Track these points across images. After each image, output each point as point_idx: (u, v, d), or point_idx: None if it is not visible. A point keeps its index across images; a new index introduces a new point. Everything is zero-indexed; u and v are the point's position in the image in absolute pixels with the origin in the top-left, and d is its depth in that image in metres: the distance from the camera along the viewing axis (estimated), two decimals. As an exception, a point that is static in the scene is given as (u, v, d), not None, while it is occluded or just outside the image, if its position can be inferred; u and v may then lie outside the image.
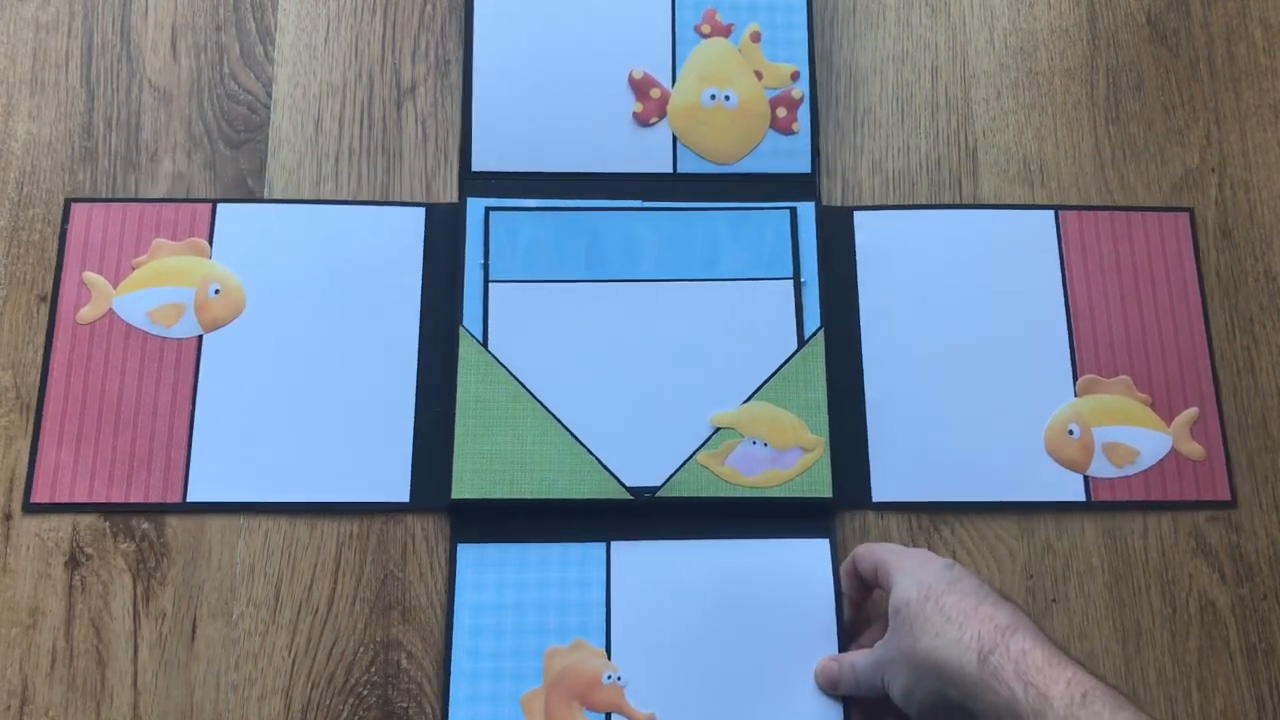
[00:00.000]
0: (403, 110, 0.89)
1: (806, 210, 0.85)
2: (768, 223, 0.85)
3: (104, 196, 0.86)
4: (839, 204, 0.88)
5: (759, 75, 0.88)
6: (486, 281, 0.83)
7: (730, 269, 0.84)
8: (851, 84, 0.92)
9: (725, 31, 0.89)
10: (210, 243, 0.85)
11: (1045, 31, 0.93)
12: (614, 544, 0.79)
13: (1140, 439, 0.83)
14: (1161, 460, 0.83)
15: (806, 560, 0.79)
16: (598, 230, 0.84)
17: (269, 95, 0.89)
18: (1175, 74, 0.92)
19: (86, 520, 0.79)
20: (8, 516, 0.79)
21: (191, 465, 0.80)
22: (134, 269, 0.84)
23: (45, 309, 0.83)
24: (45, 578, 0.77)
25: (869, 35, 0.93)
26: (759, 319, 0.83)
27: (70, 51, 0.89)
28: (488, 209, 0.84)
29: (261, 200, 0.86)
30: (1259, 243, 0.88)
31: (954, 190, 0.89)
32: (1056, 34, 0.93)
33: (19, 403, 0.81)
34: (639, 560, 0.79)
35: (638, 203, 0.85)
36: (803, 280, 0.84)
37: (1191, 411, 0.84)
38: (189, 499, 0.79)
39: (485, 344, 0.82)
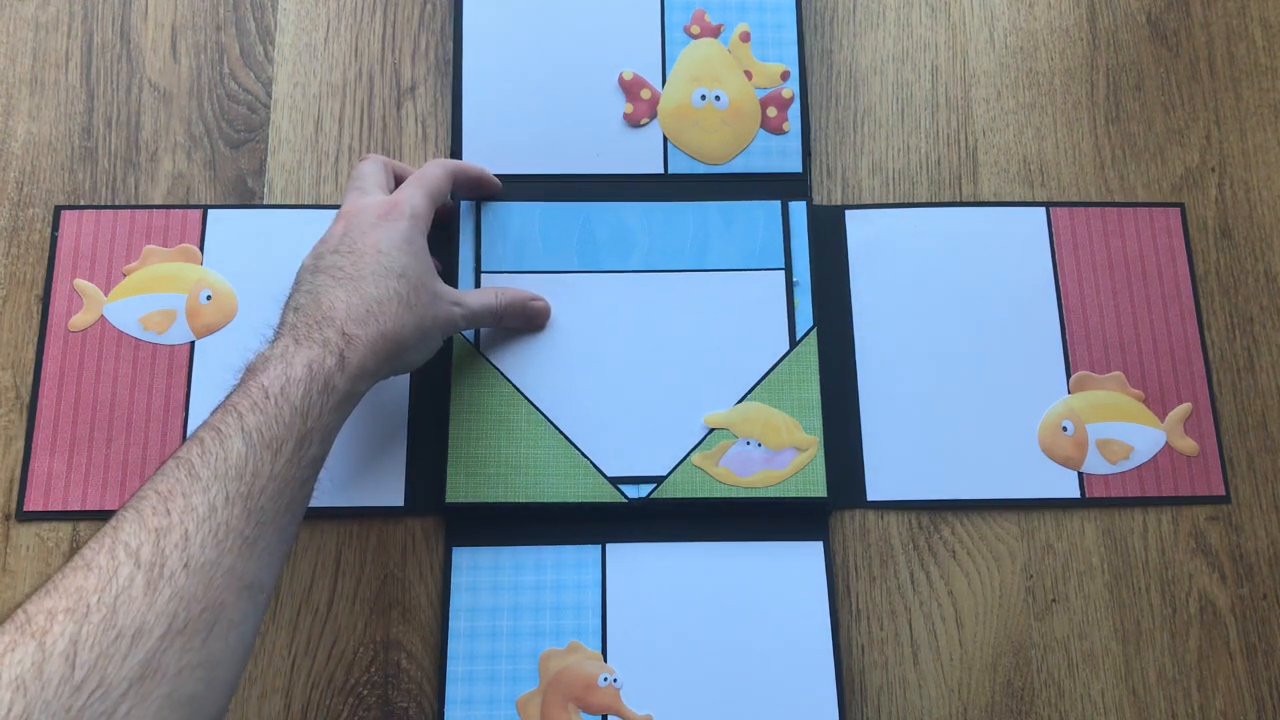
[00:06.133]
0: (403, 110, 0.89)
1: (798, 209, 0.85)
2: (759, 214, 0.85)
3: (104, 199, 0.86)
4: (839, 204, 0.88)
5: (749, 75, 0.88)
6: (478, 277, 0.83)
7: (722, 260, 0.84)
8: (851, 84, 0.92)
9: (715, 32, 0.89)
10: (201, 249, 0.85)
11: (1045, 31, 0.93)
12: (609, 546, 0.79)
13: (1134, 435, 0.83)
14: (1155, 456, 0.83)
15: (800, 563, 0.79)
16: (589, 221, 0.84)
17: (269, 95, 0.89)
18: (1175, 74, 0.92)
19: (85, 521, 0.79)
20: (8, 517, 0.79)
21: (184, 473, 0.80)
22: (125, 276, 0.84)
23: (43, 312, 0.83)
24: (45, 578, 0.77)
25: (869, 35, 0.93)
26: (751, 311, 0.83)
27: (70, 51, 0.89)
28: (480, 198, 0.84)
29: (260, 204, 0.86)
30: (1259, 243, 0.88)
31: (954, 190, 0.89)
32: (1056, 34, 0.93)
33: (18, 403, 0.81)
34: (634, 562, 0.79)
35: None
36: (795, 280, 0.84)
37: (1185, 407, 0.84)
38: (183, 506, 0.79)
39: (476, 338, 0.82)
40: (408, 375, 0.82)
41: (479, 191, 0.83)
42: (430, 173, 0.76)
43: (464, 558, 0.79)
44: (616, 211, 0.85)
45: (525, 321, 0.81)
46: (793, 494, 0.79)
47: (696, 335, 0.83)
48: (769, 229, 0.85)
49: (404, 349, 0.68)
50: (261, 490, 0.56)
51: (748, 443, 0.80)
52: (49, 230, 0.85)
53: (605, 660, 0.77)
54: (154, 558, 0.51)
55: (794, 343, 0.82)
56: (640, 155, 0.86)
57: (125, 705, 0.47)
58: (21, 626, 0.48)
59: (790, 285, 0.84)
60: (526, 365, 0.82)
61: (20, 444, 0.80)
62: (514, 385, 0.81)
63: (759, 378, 0.81)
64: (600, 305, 0.83)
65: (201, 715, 0.51)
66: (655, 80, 0.88)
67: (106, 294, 0.83)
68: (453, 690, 0.76)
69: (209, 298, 0.83)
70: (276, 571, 0.58)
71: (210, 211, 0.86)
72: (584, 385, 0.81)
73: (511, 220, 0.84)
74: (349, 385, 0.63)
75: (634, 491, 0.79)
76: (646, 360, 0.82)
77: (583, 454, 0.80)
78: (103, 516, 0.79)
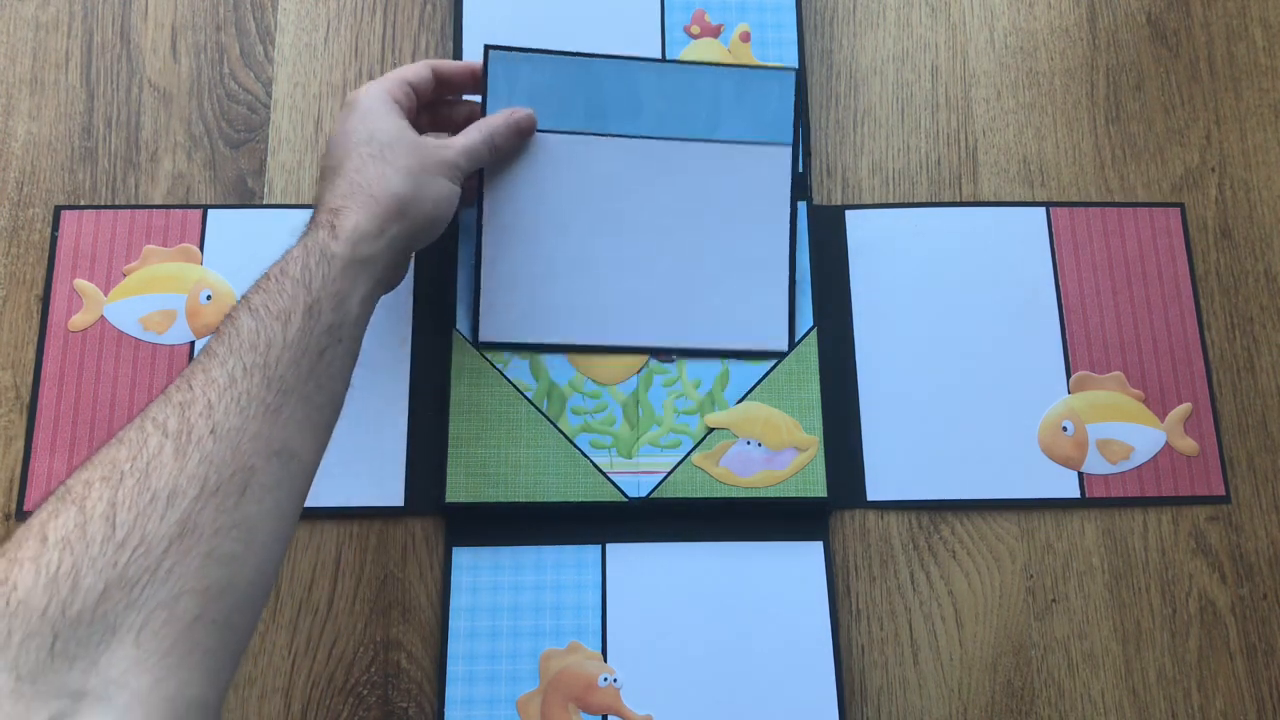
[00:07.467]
0: (402, 110, 0.89)
1: (799, 209, 0.85)
2: (772, 83, 0.84)
3: (104, 199, 0.86)
4: (839, 204, 0.88)
5: (749, 75, 0.88)
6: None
7: (731, 130, 0.83)
8: (851, 84, 0.92)
9: (715, 32, 0.89)
10: (201, 249, 0.85)
11: (1045, 31, 0.93)
12: (609, 546, 0.79)
13: (1134, 435, 0.83)
14: (1155, 456, 0.83)
15: (800, 563, 0.79)
16: (600, 80, 0.83)
17: (269, 95, 0.89)
18: (1175, 74, 0.92)
19: (85, 520, 0.79)
20: (8, 517, 0.79)
21: (184, 473, 0.80)
22: (125, 276, 0.84)
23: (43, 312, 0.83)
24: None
25: (869, 35, 0.93)
26: (755, 188, 0.83)
27: (70, 51, 0.89)
28: (487, 46, 0.82)
29: (260, 204, 0.86)
30: (1259, 243, 0.88)
31: (954, 190, 0.89)
32: (1056, 34, 0.93)
33: (18, 403, 0.81)
34: (634, 562, 0.79)
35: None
36: (795, 278, 0.84)
37: (1185, 407, 0.84)
38: (181, 507, 0.79)
39: (474, 335, 0.82)
40: (408, 374, 0.82)
41: (476, 88, 0.83)
42: (402, 66, 0.78)
43: (464, 558, 0.79)
44: (629, 70, 0.83)
45: (517, 135, 0.80)
46: (793, 494, 0.79)
47: (697, 213, 0.83)
48: (782, 99, 0.84)
49: (403, 201, 0.69)
50: (278, 360, 0.58)
51: (748, 443, 0.80)
52: (49, 230, 0.85)
53: (605, 660, 0.77)
54: (181, 426, 0.54)
55: (794, 225, 0.83)
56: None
57: (168, 561, 0.50)
58: (62, 496, 0.50)
59: (796, 153, 0.84)
60: (524, 232, 0.81)
61: (20, 444, 0.80)
62: (509, 382, 0.81)
63: (759, 378, 0.82)
64: (603, 174, 0.82)
65: (243, 576, 0.53)
66: (656, 80, 0.88)
67: (106, 294, 0.83)
68: (453, 690, 0.76)
69: (209, 298, 0.83)
70: (310, 442, 0.60)
71: (210, 211, 0.86)
72: (581, 256, 0.82)
73: (520, 73, 0.82)
74: (349, 249, 0.65)
75: (633, 488, 0.79)
76: (645, 237, 0.82)
77: (582, 454, 0.80)
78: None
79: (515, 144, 0.81)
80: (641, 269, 0.82)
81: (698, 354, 0.82)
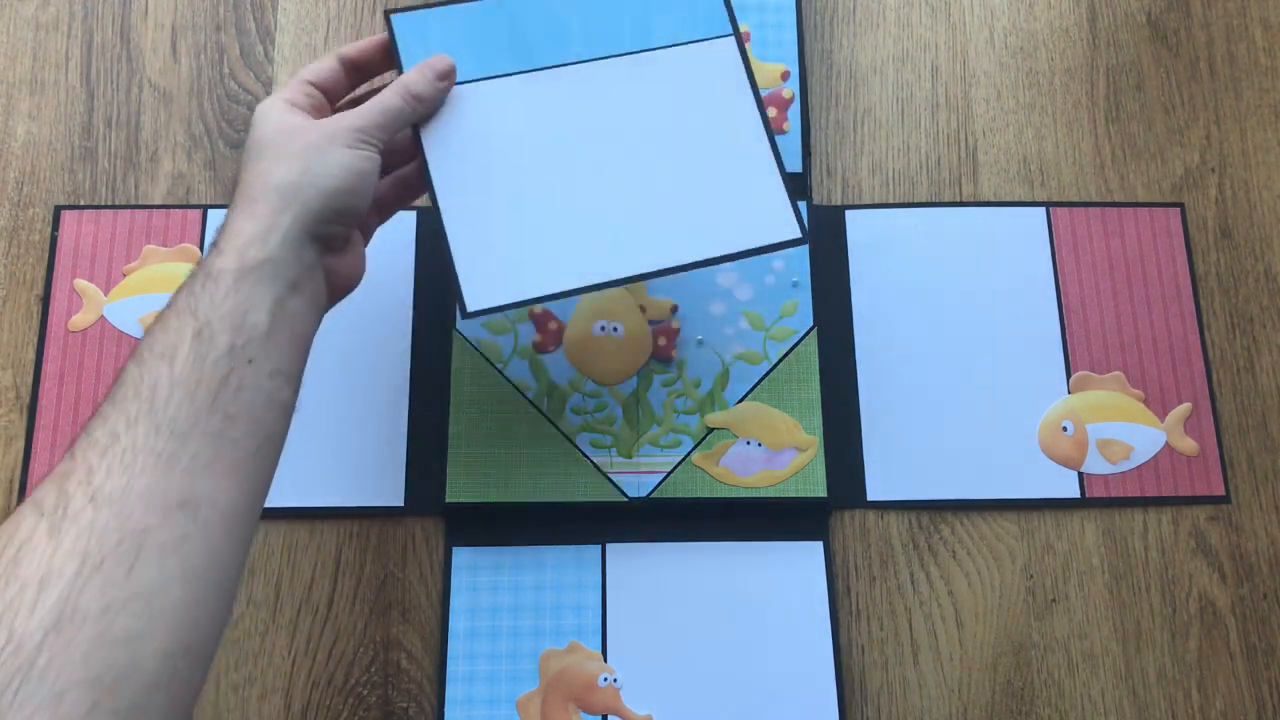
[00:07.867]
0: (402, 110, 0.89)
1: (799, 209, 0.84)
2: None
3: (104, 199, 0.86)
4: (839, 204, 0.88)
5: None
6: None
7: (666, 33, 0.77)
8: (851, 84, 0.92)
9: (715, 31, 0.87)
10: (201, 249, 0.85)
11: (1045, 31, 0.93)
12: (609, 546, 0.79)
13: (1134, 435, 0.83)
14: (1155, 456, 0.83)
15: (800, 563, 0.79)
16: (516, 15, 0.75)
17: (269, 95, 0.89)
18: (1175, 74, 0.92)
19: (85, 520, 0.79)
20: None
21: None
22: (125, 276, 0.84)
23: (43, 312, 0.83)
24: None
25: (869, 35, 0.93)
26: (710, 86, 0.76)
27: (70, 51, 0.89)
28: (386, 13, 0.74)
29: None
30: (1259, 243, 0.88)
31: (954, 190, 0.89)
32: (1056, 34, 0.93)
33: (18, 403, 0.81)
34: (634, 562, 0.79)
35: None
36: (795, 280, 0.84)
37: (1185, 407, 0.84)
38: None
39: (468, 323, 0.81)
40: (408, 375, 0.82)
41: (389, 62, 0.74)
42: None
43: (464, 558, 0.79)
44: None
45: (435, 79, 0.70)
46: (793, 494, 0.79)
47: (661, 126, 0.75)
48: None
49: (285, 188, 0.61)
50: (166, 401, 0.53)
51: (748, 443, 0.80)
52: (49, 230, 0.85)
53: (605, 660, 0.77)
54: (57, 501, 0.49)
55: (765, 113, 0.76)
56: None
57: (43, 657, 0.45)
58: None
59: (741, 42, 0.77)
60: (481, 190, 0.73)
61: (20, 444, 0.80)
62: (509, 381, 0.81)
63: (758, 379, 0.82)
64: (548, 110, 0.75)
65: (147, 653, 0.48)
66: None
67: (106, 294, 0.83)
68: (453, 690, 0.76)
69: (209, 298, 0.83)
70: (227, 484, 0.54)
71: (210, 211, 0.86)
72: (551, 200, 0.73)
73: (431, 31, 0.74)
74: (236, 260, 0.58)
75: (633, 488, 0.79)
76: (615, 163, 0.74)
77: (583, 454, 0.80)
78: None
79: (437, 90, 0.71)
80: (623, 196, 0.74)
81: (714, 264, 0.73)
